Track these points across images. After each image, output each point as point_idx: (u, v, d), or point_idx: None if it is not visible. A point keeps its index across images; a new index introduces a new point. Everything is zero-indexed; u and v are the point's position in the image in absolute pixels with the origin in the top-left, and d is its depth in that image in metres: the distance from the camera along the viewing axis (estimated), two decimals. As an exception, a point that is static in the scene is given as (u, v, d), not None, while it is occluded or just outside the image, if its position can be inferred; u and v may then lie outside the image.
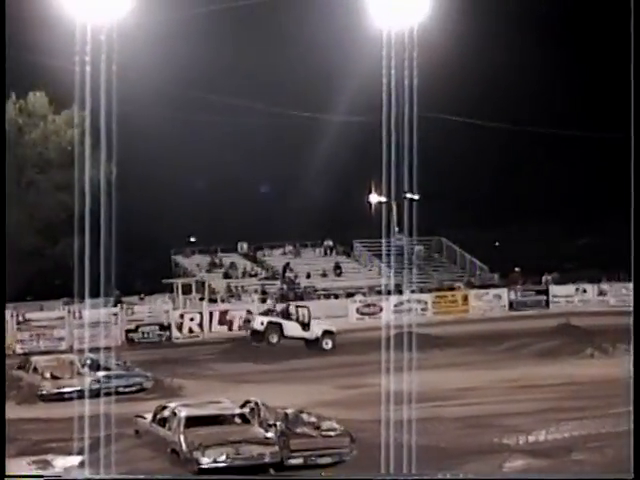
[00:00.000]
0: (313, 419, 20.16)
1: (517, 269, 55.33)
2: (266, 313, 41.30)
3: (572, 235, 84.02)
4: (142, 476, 18.25)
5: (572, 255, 77.49)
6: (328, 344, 39.75)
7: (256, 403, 20.74)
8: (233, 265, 54.61)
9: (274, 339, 39.72)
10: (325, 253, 58.43)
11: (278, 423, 19.75)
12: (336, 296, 51.43)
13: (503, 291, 51.82)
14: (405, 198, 36.52)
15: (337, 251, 58.65)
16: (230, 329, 45.03)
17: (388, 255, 54.82)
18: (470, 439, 20.61)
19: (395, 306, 46.78)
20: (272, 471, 18.64)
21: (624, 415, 22.59)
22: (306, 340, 39.77)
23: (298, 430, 19.53)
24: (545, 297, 51.66)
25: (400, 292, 51.02)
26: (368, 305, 49.30)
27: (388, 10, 25.58)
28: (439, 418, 22.76)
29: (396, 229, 55.98)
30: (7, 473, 15.87)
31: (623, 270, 55.89)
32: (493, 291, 52.03)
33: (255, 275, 54.48)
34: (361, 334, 43.65)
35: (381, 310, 48.59)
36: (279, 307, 42.10)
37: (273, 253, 57.36)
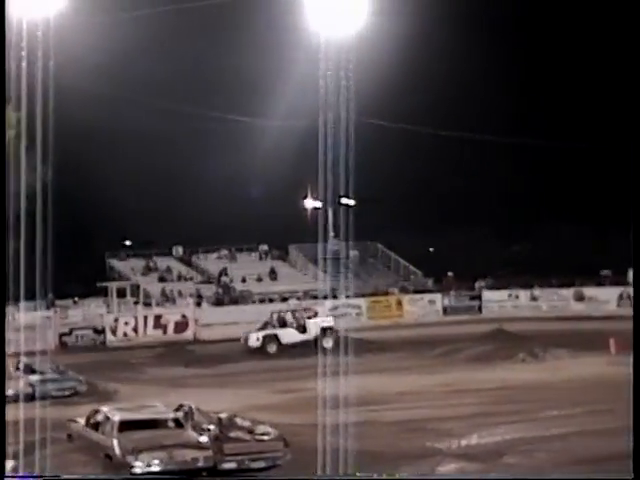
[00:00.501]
0: (247, 423, 20.17)
1: (450, 274, 55.76)
2: (262, 328, 41.29)
3: (505, 241, 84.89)
4: (142, 476, 18.21)
5: (505, 261, 78.29)
6: (328, 343, 39.66)
7: (190, 407, 20.70)
8: (168, 269, 54.38)
9: (273, 349, 39.97)
10: (261, 257, 58.41)
11: (212, 427, 19.72)
12: (271, 300, 51.43)
13: (437, 296, 52.17)
14: (340, 204, 36.71)
15: (272, 255, 58.63)
16: (165, 333, 44.88)
17: (323, 260, 54.99)
18: (404, 443, 20.76)
19: (330, 310, 46.88)
20: (205, 475, 18.60)
21: (554, 419, 23.00)
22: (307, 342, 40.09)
23: (232, 434, 19.52)
24: (478, 302, 52.11)
25: (335, 297, 51.17)
26: (303, 309, 49.35)
27: (326, 15, 25.65)
28: (373, 422, 22.88)
29: (331, 234, 56.17)
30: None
31: (555, 276, 56.69)
32: (427, 296, 52.37)
33: (190, 279, 54.28)
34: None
35: (316, 314, 48.63)
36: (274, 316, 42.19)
37: (208, 257, 57.19)
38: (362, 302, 49.99)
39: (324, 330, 40.51)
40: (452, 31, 55.29)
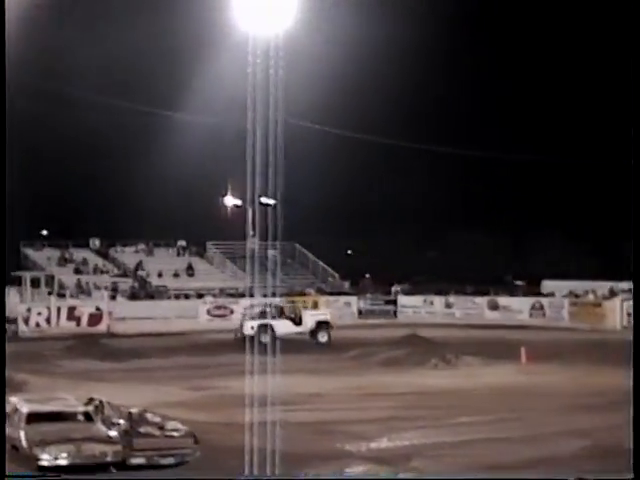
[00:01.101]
0: (157, 419, 20.07)
1: (367, 276, 56.06)
2: (257, 317, 41.21)
3: (423, 247, 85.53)
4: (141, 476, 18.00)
5: (422, 267, 78.88)
6: (324, 337, 39.75)
7: (101, 401, 20.54)
8: (85, 261, 53.86)
9: (266, 339, 39.56)
10: (178, 253, 58.14)
11: (122, 422, 19.59)
12: (187, 296, 51.24)
13: (353, 299, 52.43)
14: (261, 203, 36.65)
15: (190, 252, 58.40)
16: (78, 325, 44.47)
17: (241, 258, 54.91)
18: (314, 444, 20.81)
19: (245, 309, 46.80)
20: (114, 470, 18.48)
21: (463, 425, 23.25)
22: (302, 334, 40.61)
23: (142, 430, 19.40)
24: (394, 307, 52.50)
25: (252, 295, 51.10)
26: (219, 307, 49.29)
27: (256, 13, 25.59)
28: (285, 423, 22.90)
29: (251, 233, 55.94)
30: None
31: (470, 284, 57.31)
32: (343, 299, 52.62)
33: (107, 272, 53.84)
34: (211, 335, 43.74)
35: (232, 312, 48.61)
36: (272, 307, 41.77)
37: (126, 250, 56.78)
38: (278, 302, 49.91)
39: (319, 324, 40.67)
40: (385, 31, 55.49)
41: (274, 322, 40.25)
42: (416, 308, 52.53)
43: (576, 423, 23.41)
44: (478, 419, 24.00)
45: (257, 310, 41.50)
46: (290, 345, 38.78)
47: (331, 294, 53.38)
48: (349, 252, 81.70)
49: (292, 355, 36.86)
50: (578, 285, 54.64)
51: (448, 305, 52.63)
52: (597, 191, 76.74)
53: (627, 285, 52.21)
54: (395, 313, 52.22)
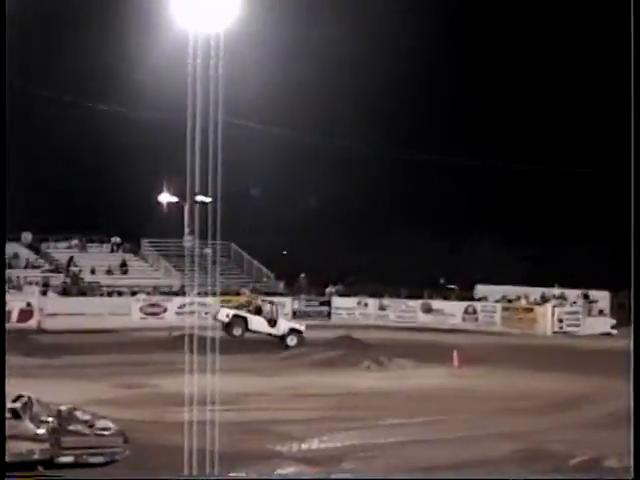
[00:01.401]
0: (87, 417, 19.83)
1: (302, 275, 56.11)
2: (237, 307, 41.64)
3: (357, 249, 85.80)
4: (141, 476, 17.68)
5: (357, 269, 79.13)
6: (293, 340, 39.86)
7: (29, 398, 20.25)
8: (16, 255, 53.21)
9: (238, 332, 39.97)
10: (112, 249, 57.68)
11: (51, 419, 19.34)
12: (120, 293, 50.87)
13: (287, 300, 52.39)
14: (196, 201, 36.48)
15: (124, 248, 57.97)
16: (8, 320, 43.87)
17: (176, 256, 54.63)
18: (244, 444, 20.74)
19: (179, 308, 46.61)
20: (41, 469, 18.26)
21: (394, 427, 23.33)
22: (273, 336, 40.34)
23: (71, 428, 19.16)
24: (328, 308, 52.54)
25: (185, 294, 50.91)
26: (152, 305, 49.01)
27: (196, 11, 25.47)
28: (214, 422, 22.79)
29: (186, 230, 55.81)
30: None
31: (404, 287, 57.60)
32: (277, 299, 52.50)
33: (38, 267, 53.25)
34: (144, 333, 43.46)
35: (165, 311, 48.38)
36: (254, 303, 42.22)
37: (58, 246, 56.20)
38: (212, 301, 49.69)
39: (292, 330, 40.63)
40: (326, 32, 55.61)
41: (250, 316, 40.26)
42: (350, 310, 52.64)
43: (506, 426, 23.61)
44: (409, 421, 24.12)
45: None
46: (223, 345, 38.72)
47: (266, 294, 53.26)
48: (284, 252, 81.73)
49: (225, 355, 36.84)
50: (511, 290, 55.17)
51: (382, 307, 52.81)
52: (533, 197, 77.53)
53: (558, 291, 52.88)
54: (329, 314, 52.28)
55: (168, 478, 17.22)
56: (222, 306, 41.61)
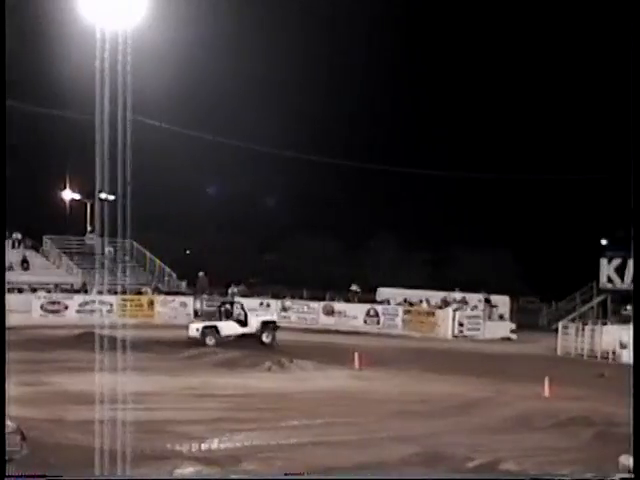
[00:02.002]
0: (-17, 415, 19.60)
1: (201, 274, 55.96)
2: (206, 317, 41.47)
3: (261, 250, 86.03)
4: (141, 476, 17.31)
5: (259, 270, 79.38)
6: (268, 337, 40.03)
7: None
8: None
9: (211, 341, 39.48)
10: (13, 246, 56.87)
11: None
12: (20, 290, 50.19)
13: (189, 299, 52.21)
14: (100, 199, 36.24)
15: (26, 245, 57.20)
16: None
17: (78, 254, 54.09)
18: (143, 444, 20.64)
19: (80, 305, 46.15)
20: None
21: (295, 428, 23.46)
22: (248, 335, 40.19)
23: (-35, 426, 18.92)
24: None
25: (86, 291, 50.47)
26: (53, 302, 48.47)
27: (104, 9, 25.38)
28: (114, 421, 22.69)
29: (89, 228, 55.27)
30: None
31: (307, 288, 57.93)
32: (179, 298, 52.37)
33: None
34: (44, 331, 42.97)
35: (66, 308, 47.91)
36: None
37: (-43, 241, 55.25)
38: (114, 299, 49.45)
39: (265, 324, 40.45)
40: (236, 31, 55.63)
41: (219, 324, 40.35)
42: (252, 311, 52.54)
43: (404, 429, 23.89)
44: (309, 422, 24.25)
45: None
46: (124, 344, 38.49)
47: (168, 293, 53.09)
48: (187, 252, 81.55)
49: (125, 353, 36.66)
50: (413, 293, 55.78)
51: (284, 309, 52.94)
52: (437, 202, 78.52)
53: (459, 295, 53.63)
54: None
55: (168, 478, 17.20)
56: (191, 322, 41.90)
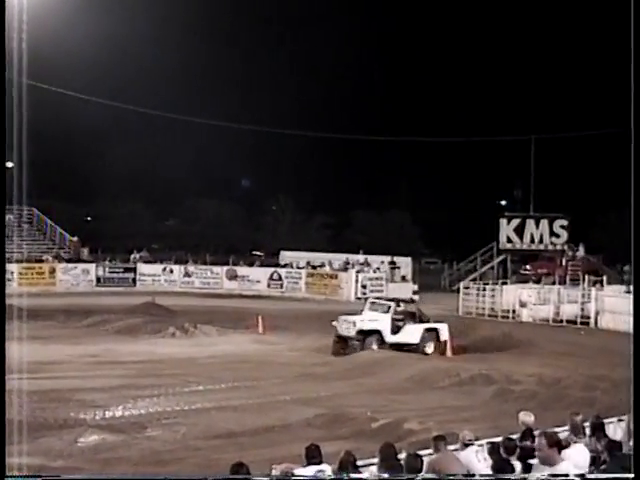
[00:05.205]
0: None
1: (75, 238, 55.40)
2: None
3: (160, 216, 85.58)
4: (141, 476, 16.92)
5: (161, 235, 79.02)
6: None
7: None
8: None
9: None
10: None
11: None
12: None
13: (91, 266, 51.75)
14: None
15: None
16: None
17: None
18: (47, 413, 20.58)
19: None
20: None
21: (198, 393, 23.54)
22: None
23: None
24: (133, 275, 52.14)
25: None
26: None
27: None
28: (17, 391, 22.51)
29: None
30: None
31: (209, 253, 57.89)
32: (81, 265, 51.81)
33: None
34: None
35: None
36: None
37: None
38: (14, 268, 48.65)
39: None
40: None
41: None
42: (155, 276, 52.38)
43: (308, 391, 24.16)
44: (213, 387, 24.38)
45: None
46: (22, 313, 38.01)
47: (69, 261, 52.49)
48: (88, 218, 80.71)
49: (26, 322, 36.26)
50: (315, 256, 56.07)
51: (187, 274, 52.77)
52: (337, 164, 78.80)
53: (362, 257, 54.09)
54: (134, 281, 51.89)
55: (168, 477, 17.09)
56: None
